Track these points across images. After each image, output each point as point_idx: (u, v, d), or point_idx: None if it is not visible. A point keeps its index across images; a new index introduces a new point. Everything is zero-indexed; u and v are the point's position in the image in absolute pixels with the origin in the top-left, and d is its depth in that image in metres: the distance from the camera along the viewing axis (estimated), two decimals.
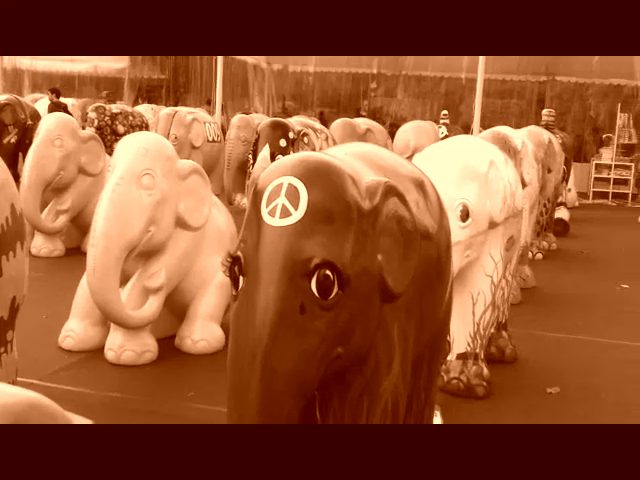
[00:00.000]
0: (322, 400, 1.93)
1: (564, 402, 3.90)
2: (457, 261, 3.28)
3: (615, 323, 5.50)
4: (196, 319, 4.35)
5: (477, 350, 3.82)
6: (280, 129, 6.72)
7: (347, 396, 1.95)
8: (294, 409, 1.77)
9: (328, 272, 1.75)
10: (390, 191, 1.92)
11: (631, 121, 14.63)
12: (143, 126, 9.48)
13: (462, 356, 3.82)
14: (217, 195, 6.33)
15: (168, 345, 4.33)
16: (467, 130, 11.55)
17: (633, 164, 14.18)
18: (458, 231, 3.33)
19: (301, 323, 1.74)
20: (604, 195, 14.23)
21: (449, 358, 3.83)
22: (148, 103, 14.62)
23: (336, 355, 1.82)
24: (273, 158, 6.23)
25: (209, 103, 15.19)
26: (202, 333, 4.32)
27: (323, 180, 1.83)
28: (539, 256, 7.56)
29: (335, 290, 1.76)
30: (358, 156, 2.14)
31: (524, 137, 5.68)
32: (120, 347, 4.06)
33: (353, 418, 1.95)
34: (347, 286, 1.78)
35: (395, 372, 2.02)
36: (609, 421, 3.66)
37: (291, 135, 6.67)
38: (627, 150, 14.52)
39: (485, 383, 3.83)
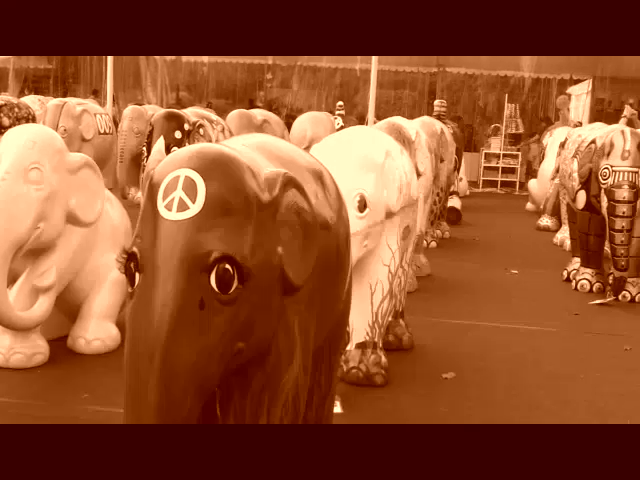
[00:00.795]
0: (223, 396, 1.90)
1: (459, 386, 4.00)
2: (356, 251, 3.31)
3: (506, 308, 5.69)
4: (90, 318, 4.22)
5: (376, 339, 3.87)
6: (175, 120, 6.58)
7: (248, 391, 1.92)
8: (194, 407, 1.73)
9: (227, 266, 1.72)
10: (289, 182, 1.91)
11: (518, 111, 15.16)
12: (30, 118, 9.06)
13: (361, 345, 3.86)
14: (110, 189, 6.18)
15: (60, 346, 4.17)
16: (362, 121, 11.68)
17: (520, 153, 14.72)
18: (356, 221, 3.35)
19: (200, 319, 1.70)
20: (493, 184, 14.71)
21: (348, 348, 3.86)
22: (35, 94, 14.05)
23: (237, 350, 1.79)
24: (168, 150, 6.10)
25: (95, 94, 14.75)
26: (96, 332, 4.19)
27: (221, 172, 1.79)
28: (433, 244, 7.74)
29: (235, 284, 1.73)
30: (256, 147, 2.11)
31: (417, 127, 5.77)
32: (9, 350, 3.90)
33: (254, 413, 1.93)
34: (247, 280, 1.75)
35: (296, 365, 2.01)
36: (502, 402, 3.79)
37: (186, 127, 6.54)
38: (514, 139, 15.05)
39: (383, 371, 3.89)
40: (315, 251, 1.96)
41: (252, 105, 15.14)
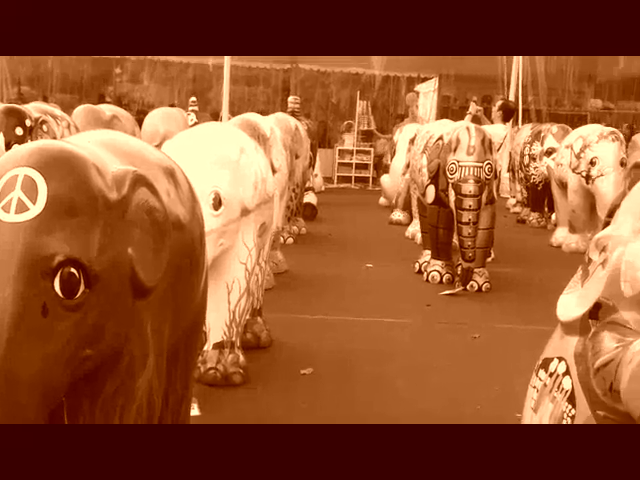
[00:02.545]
0: (70, 406, 1.80)
1: (318, 381, 4.03)
2: (211, 250, 3.25)
3: (363, 301, 5.80)
4: None
5: (233, 338, 3.83)
6: (16, 116, 6.22)
7: (99, 398, 1.83)
8: (39, 417, 1.63)
9: (73, 270, 1.62)
10: (139, 180, 1.83)
11: (369, 108, 15.53)
12: None
13: (219, 345, 3.81)
14: None
15: None
16: (216, 117, 11.57)
17: (372, 149, 15.08)
18: (211, 219, 3.30)
19: (43, 326, 1.60)
20: (347, 179, 15.00)
21: (205, 348, 3.80)
22: None
23: (85, 357, 1.70)
24: (9, 148, 5.78)
25: None
26: None
27: (64, 170, 1.69)
28: (290, 240, 7.77)
29: (81, 289, 1.64)
30: (103, 144, 2.02)
31: (272, 124, 5.78)
32: None
33: (105, 419, 1.84)
34: (95, 283, 1.66)
35: (150, 368, 1.94)
36: (361, 395, 3.85)
37: (28, 123, 6.20)
38: (366, 136, 15.41)
39: (242, 370, 3.85)
40: (167, 251, 1.89)
41: (101, 100, 14.64)
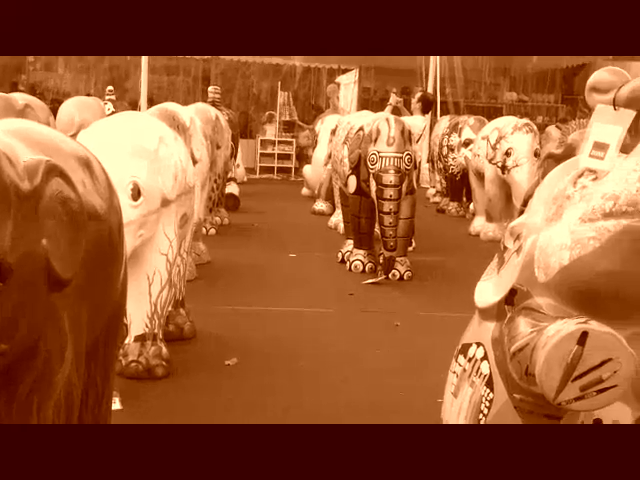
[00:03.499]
0: None
1: (243, 372, 4.03)
2: (130, 241, 3.20)
3: (287, 291, 5.81)
4: None
5: (155, 330, 3.78)
6: None
7: (15, 395, 1.78)
8: None
9: None
10: (52, 170, 1.78)
11: (291, 99, 15.52)
12: None
13: (140, 338, 3.76)
14: None
15: None
16: (134, 107, 11.36)
17: (294, 140, 15.08)
18: (130, 210, 3.24)
19: None
20: (270, 170, 14.96)
21: (127, 341, 3.74)
22: None
23: None
24: None
25: None
26: None
27: None
28: (212, 231, 7.71)
29: None
30: (14, 134, 1.95)
31: (192, 114, 5.71)
32: None
33: (22, 416, 1.79)
34: (8, 277, 1.61)
35: (68, 363, 1.90)
36: (285, 385, 3.86)
37: None
38: (288, 126, 15.39)
39: (165, 363, 3.81)
40: (83, 242, 1.85)
41: (14, 89, 14.17)
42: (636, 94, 1.86)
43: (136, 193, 3.37)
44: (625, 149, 1.90)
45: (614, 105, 1.93)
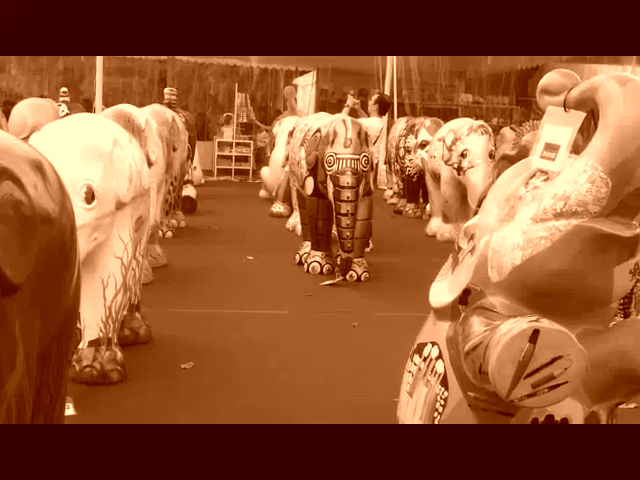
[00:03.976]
0: None
1: (200, 375, 4.00)
2: (84, 245, 3.16)
3: (245, 294, 5.79)
4: None
5: (110, 335, 3.73)
6: None
7: None
8: None
9: None
10: (3, 173, 1.75)
11: (248, 100, 15.48)
12: None
13: (95, 342, 3.71)
14: None
15: None
16: (89, 108, 11.23)
17: (252, 142, 15.05)
18: (84, 213, 3.21)
19: None
20: (227, 172, 14.91)
21: (80, 346, 3.70)
22: None
23: None
24: None
25: None
26: None
27: None
28: (169, 234, 7.65)
29: None
30: None
31: (148, 115, 5.66)
32: None
33: None
34: None
35: (19, 369, 1.86)
36: (243, 387, 3.85)
37: None
38: (246, 128, 15.36)
39: (120, 367, 3.77)
40: (35, 246, 1.82)
41: None
42: (586, 95, 1.90)
43: (90, 196, 3.33)
44: (577, 150, 1.93)
45: (565, 107, 1.96)
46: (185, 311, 5.15)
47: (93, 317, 3.65)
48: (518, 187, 2.00)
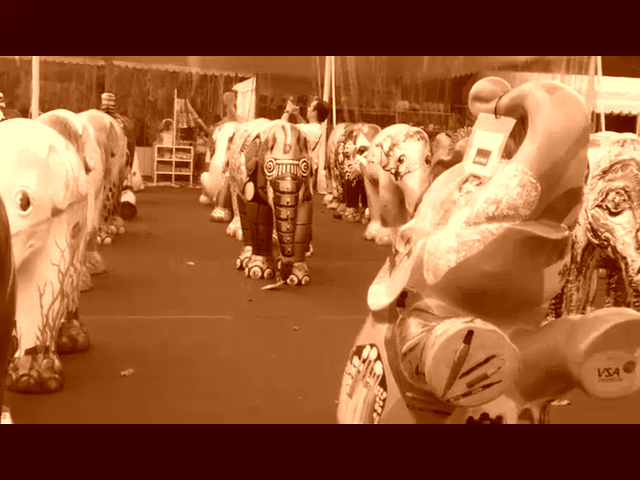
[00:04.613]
0: None
1: (140, 381, 3.96)
2: (20, 252, 3.11)
3: (184, 300, 5.75)
4: None
5: (47, 343, 3.67)
6: None
7: None
8: None
9: None
10: None
11: (188, 106, 15.38)
12: None
13: (31, 351, 3.64)
14: None
15: None
16: (26, 114, 11.01)
17: (192, 147, 14.95)
18: (19, 220, 3.15)
19: None
20: (168, 178, 14.77)
21: (17, 355, 3.63)
22: None
23: None
24: None
25: None
26: None
27: None
28: (108, 240, 7.55)
29: None
30: None
31: (85, 121, 5.58)
32: None
33: None
34: None
35: None
36: (184, 393, 3.82)
37: None
38: (185, 134, 15.25)
39: (57, 376, 3.71)
40: None
41: None
42: (516, 102, 1.96)
43: (25, 203, 3.27)
44: (510, 155, 2.00)
45: (495, 113, 2.02)
46: (124, 318, 5.09)
47: (30, 325, 3.59)
48: (452, 191, 2.05)
